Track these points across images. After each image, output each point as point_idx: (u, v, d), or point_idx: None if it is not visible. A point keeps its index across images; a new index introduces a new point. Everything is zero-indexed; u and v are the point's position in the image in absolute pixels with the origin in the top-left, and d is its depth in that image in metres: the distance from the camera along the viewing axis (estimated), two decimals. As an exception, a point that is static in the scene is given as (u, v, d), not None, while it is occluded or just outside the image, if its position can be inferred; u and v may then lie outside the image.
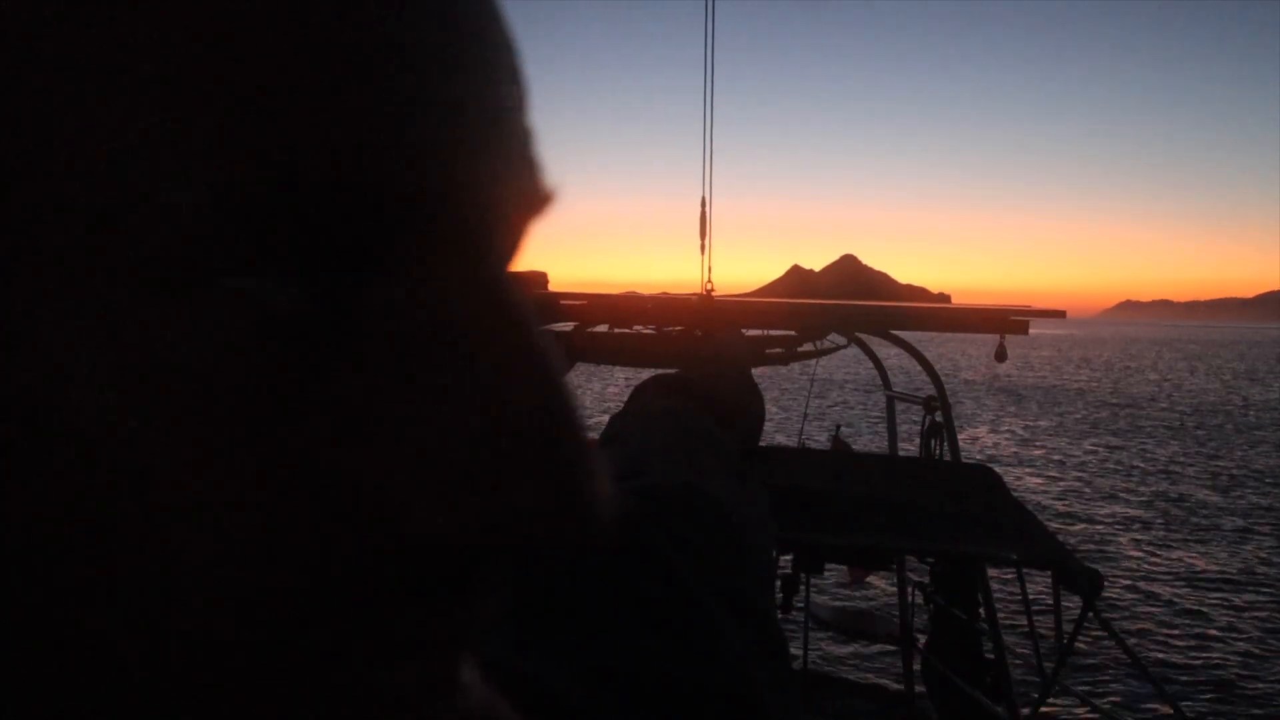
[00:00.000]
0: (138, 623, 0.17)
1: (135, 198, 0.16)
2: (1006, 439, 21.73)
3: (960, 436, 4.29)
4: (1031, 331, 3.64)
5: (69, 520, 0.17)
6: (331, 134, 0.17)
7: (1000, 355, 3.66)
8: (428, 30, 0.19)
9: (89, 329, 0.16)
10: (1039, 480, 16.14)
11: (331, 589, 0.18)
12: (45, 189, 0.16)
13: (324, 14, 0.17)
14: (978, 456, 17.42)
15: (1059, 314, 4.11)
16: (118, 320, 0.16)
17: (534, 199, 0.23)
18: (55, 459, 0.16)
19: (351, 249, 0.18)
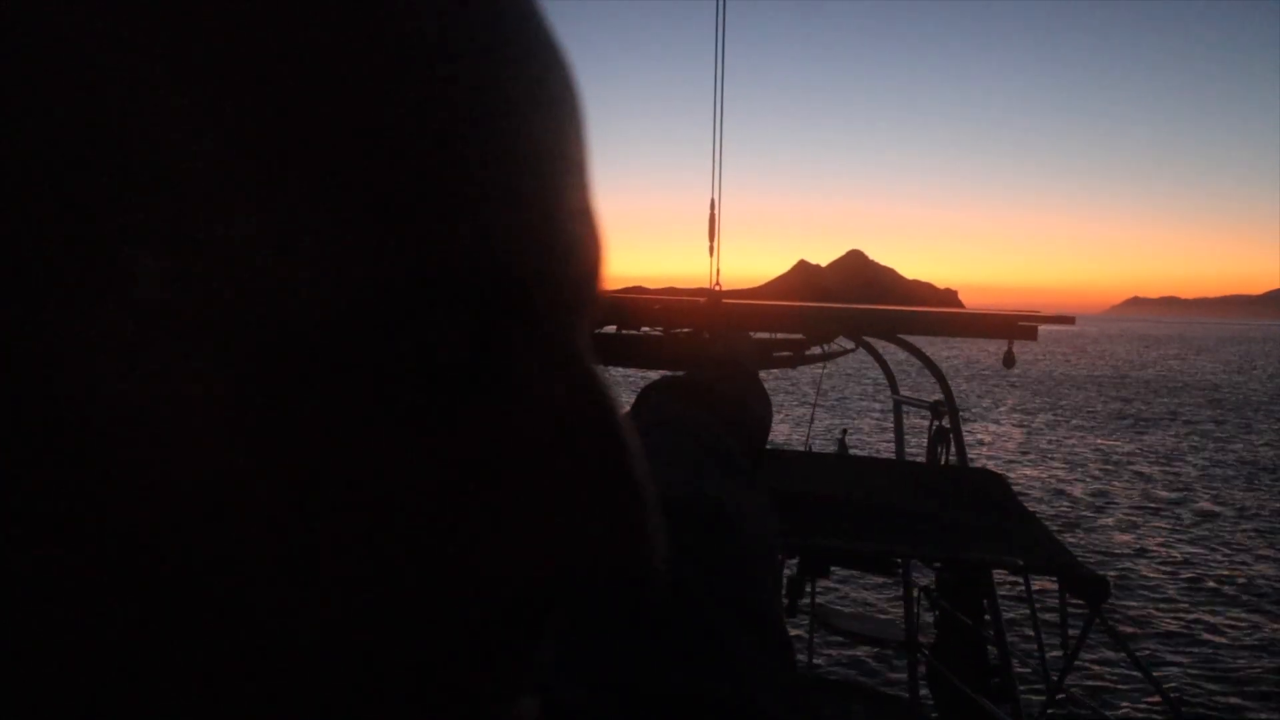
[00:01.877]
0: (242, 661, 0.18)
1: (277, 288, 0.17)
2: (1013, 439, 21.71)
3: (967, 433, 4.29)
4: (1041, 330, 3.64)
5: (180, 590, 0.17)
6: (476, 239, 0.19)
7: (1009, 361, 3.65)
8: (546, 136, 0.21)
9: (213, 417, 0.17)
10: (1046, 482, 16.12)
11: (414, 633, 0.20)
12: (174, 274, 0.16)
13: (460, 126, 0.19)
14: (984, 454, 17.41)
15: (1068, 320, 4.10)
16: (249, 409, 0.17)
17: (603, 277, 0.24)
18: (165, 524, 0.17)
19: (470, 340, 0.20)
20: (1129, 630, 8.06)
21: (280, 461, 0.17)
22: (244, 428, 0.17)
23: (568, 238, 0.21)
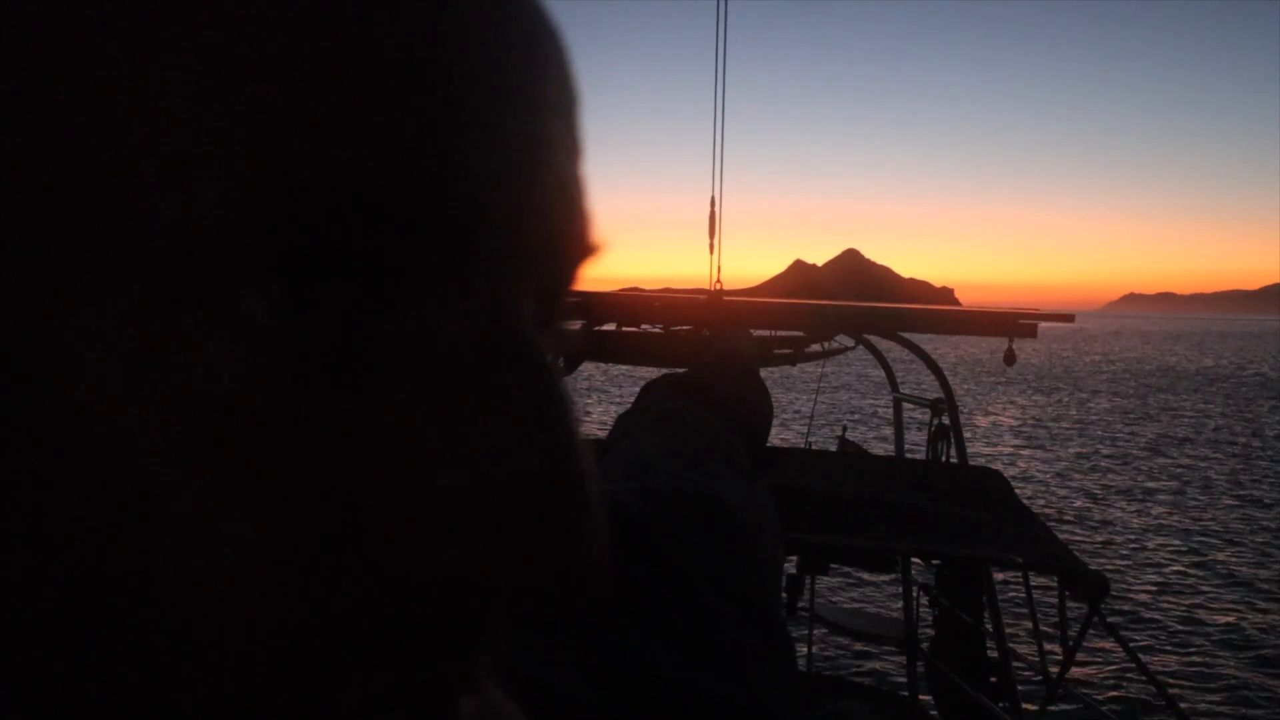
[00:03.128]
0: (133, 648, 0.17)
1: (149, 209, 0.16)
2: (1013, 436, 21.72)
3: (966, 430, 4.29)
4: (1040, 328, 3.64)
5: (65, 526, 0.16)
6: (352, 150, 0.17)
7: (1009, 358, 3.65)
8: (467, 51, 0.18)
9: (98, 343, 0.16)
10: (1046, 479, 16.12)
11: (329, 626, 0.18)
12: (54, 198, 0.16)
13: (353, 25, 0.17)
14: (984, 451, 17.42)
15: (1068, 317, 4.10)
16: (126, 335, 0.16)
17: (575, 245, 0.22)
18: (58, 469, 0.16)
19: (369, 276, 0.18)
20: (1128, 628, 8.07)
21: (165, 407, 0.16)
22: (131, 367, 0.16)
23: (503, 172, 0.19)
